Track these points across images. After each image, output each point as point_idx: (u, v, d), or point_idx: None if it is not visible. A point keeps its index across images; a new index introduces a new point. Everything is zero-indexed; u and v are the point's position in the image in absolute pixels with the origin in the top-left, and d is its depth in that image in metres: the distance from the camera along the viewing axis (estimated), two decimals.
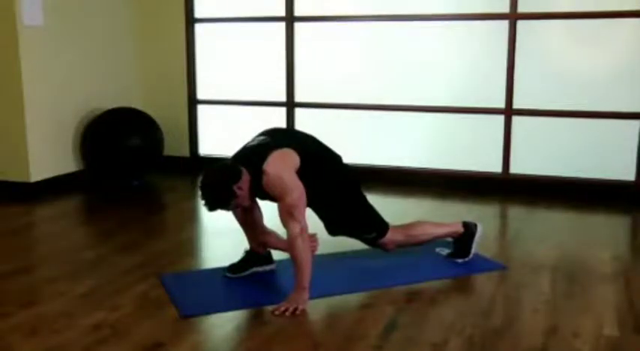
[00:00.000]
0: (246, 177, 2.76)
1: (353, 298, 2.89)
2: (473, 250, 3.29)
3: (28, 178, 4.69)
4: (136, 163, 5.13)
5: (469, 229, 3.31)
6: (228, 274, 3.11)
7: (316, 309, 2.77)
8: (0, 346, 2.44)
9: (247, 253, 3.15)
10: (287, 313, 2.68)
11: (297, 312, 2.69)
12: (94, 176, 5.17)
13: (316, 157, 2.97)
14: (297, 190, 2.73)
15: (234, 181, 2.73)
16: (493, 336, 2.51)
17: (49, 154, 4.85)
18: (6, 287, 3.04)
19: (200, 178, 2.85)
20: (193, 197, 5.09)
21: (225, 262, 3.19)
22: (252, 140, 2.98)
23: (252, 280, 3.09)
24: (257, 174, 2.74)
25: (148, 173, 5.36)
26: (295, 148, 2.83)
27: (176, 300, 2.84)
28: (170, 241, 3.78)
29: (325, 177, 3.01)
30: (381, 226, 3.18)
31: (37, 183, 4.74)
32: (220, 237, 3.83)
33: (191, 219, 4.38)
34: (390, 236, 3.18)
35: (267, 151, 2.79)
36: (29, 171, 4.68)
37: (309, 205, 2.90)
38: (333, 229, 3.18)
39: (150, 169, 5.33)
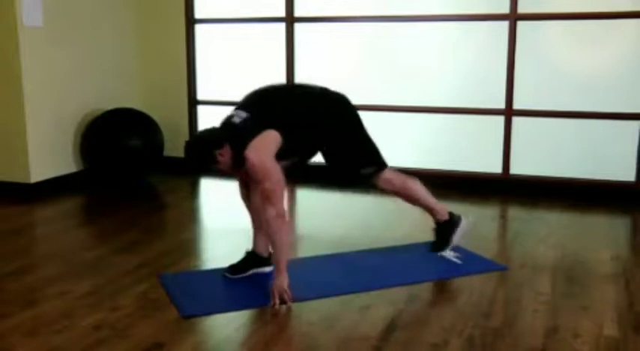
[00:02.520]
0: (227, 149, 2.84)
1: (353, 299, 2.88)
2: (453, 242, 3.31)
3: (28, 179, 4.69)
4: (136, 164, 5.14)
5: (452, 218, 3.34)
6: (228, 275, 3.11)
7: (316, 309, 2.77)
8: (0, 346, 2.44)
9: (248, 254, 3.16)
10: (276, 307, 2.76)
11: (287, 299, 2.78)
12: (94, 177, 5.17)
13: (300, 120, 3.00)
14: (275, 176, 2.80)
15: (215, 146, 2.84)
16: (493, 336, 2.51)
17: (49, 154, 4.85)
18: (6, 287, 3.04)
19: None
20: (193, 198, 5.10)
21: (225, 263, 3.20)
22: (236, 114, 2.97)
23: (253, 281, 3.09)
24: (239, 154, 2.82)
25: (148, 174, 5.37)
26: (276, 124, 2.87)
27: (176, 300, 2.84)
28: (170, 242, 3.78)
29: (315, 132, 3.04)
30: (380, 160, 3.21)
31: (38, 183, 4.74)
32: (220, 237, 3.83)
33: (191, 219, 4.38)
34: (389, 175, 3.21)
35: (249, 135, 2.83)
36: (29, 171, 4.68)
37: (311, 152, 3.09)
38: (333, 167, 3.20)
39: (150, 170, 5.34)
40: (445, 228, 3.34)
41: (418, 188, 3.32)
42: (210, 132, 2.95)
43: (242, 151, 2.81)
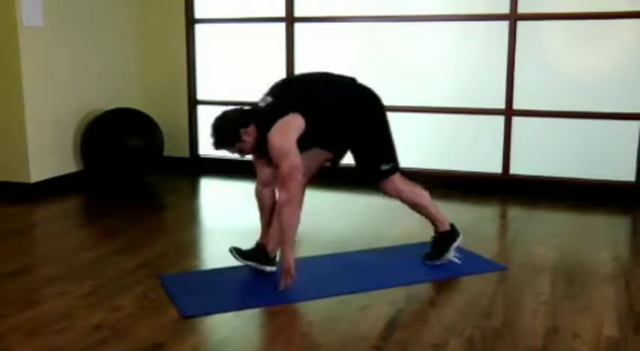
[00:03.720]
0: (252, 129, 2.93)
1: (353, 298, 2.88)
2: (448, 254, 3.28)
3: (28, 179, 4.69)
4: (136, 164, 5.14)
5: (454, 231, 3.31)
6: (232, 250, 3.13)
7: (316, 309, 2.77)
8: (0, 346, 2.44)
9: (258, 246, 3.16)
10: (285, 286, 2.91)
11: (291, 278, 2.91)
12: (94, 177, 5.17)
13: (325, 104, 3.04)
14: (292, 159, 2.85)
15: (241, 125, 2.92)
16: (493, 337, 2.51)
17: (49, 154, 4.85)
18: (6, 287, 3.04)
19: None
20: (194, 198, 5.10)
21: (225, 263, 3.20)
22: (263, 99, 3.06)
23: (252, 281, 3.09)
24: (263, 136, 2.90)
25: (148, 174, 5.37)
26: (301, 108, 2.93)
27: (176, 300, 2.84)
28: (170, 242, 3.78)
29: (340, 118, 3.07)
30: (397, 160, 3.21)
31: (38, 183, 4.74)
32: (220, 237, 3.83)
33: (191, 219, 4.38)
34: (398, 180, 3.20)
35: (274, 118, 2.91)
36: (29, 171, 4.68)
37: (337, 142, 3.13)
38: (356, 159, 3.18)
39: (150, 170, 5.34)
40: (444, 240, 3.29)
41: (424, 197, 3.29)
42: (238, 111, 3.01)
43: (266, 134, 2.87)
